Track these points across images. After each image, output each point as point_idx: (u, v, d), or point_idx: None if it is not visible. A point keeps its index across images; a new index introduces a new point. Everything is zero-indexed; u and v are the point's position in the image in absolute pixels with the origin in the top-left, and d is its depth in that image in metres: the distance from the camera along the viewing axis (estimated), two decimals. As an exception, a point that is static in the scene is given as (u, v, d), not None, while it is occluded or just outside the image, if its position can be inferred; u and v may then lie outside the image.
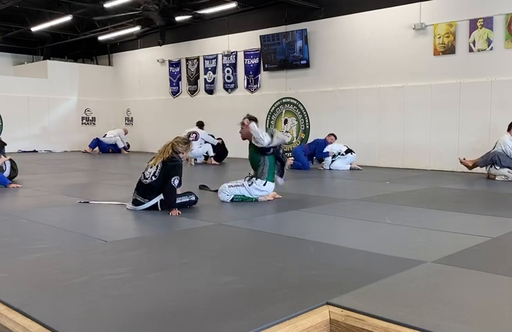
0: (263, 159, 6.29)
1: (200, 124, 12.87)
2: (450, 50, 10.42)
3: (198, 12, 13.97)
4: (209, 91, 15.26)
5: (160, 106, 16.71)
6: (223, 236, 4.60)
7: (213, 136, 12.67)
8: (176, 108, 16.22)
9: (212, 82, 15.14)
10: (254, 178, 6.32)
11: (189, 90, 15.86)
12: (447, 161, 10.42)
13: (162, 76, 16.62)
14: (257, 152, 6.33)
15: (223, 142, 12.74)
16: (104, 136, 16.48)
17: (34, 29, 15.91)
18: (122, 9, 14.21)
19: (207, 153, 12.42)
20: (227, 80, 14.71)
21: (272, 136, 6.30)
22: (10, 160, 8.23)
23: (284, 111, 13.43)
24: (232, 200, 6.23)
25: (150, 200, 5.54)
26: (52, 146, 16.68)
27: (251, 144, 6.42)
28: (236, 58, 14.43)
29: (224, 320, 2.40)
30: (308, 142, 12.07)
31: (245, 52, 14.15)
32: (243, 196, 6.27)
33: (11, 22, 15.88)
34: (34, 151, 16.16)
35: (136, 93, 17.71)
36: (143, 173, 5.66)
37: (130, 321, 2.40)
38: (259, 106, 13.20)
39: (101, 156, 15.35)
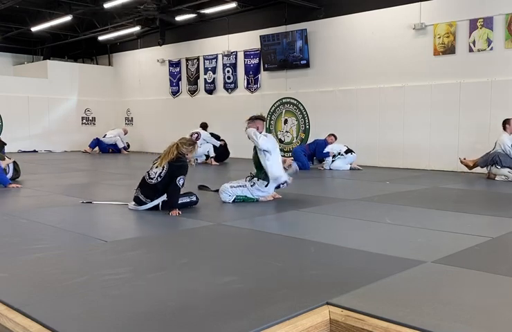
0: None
1: (204, 126, 12.88)
2: (450, 50, 10.42)
3: (198, 12, 13.96)
4: (209, 91, 15.26)
5: (160, 106, 16.71)
6: (223, 236, 4.60)
7: (218, 137, 12.68)
8: (176, 108, 16.22)
9: (212, 82, 15.14)
10: (255, 179, 6.32)
11: (189, 90, 15.86)
12: (447, 161, 10.42)
13: (162, 76, 16.62)
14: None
15: (225, 143, 12.75)
16: (104, 136, 16.48)
17: (34, 29, 15.91)
18: (122, 9, 14.20)
19: (208, 152, 12.43)
20: (227, 80, 14.71)
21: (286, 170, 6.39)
22: (14, 162, 8.28)
23: (284, 111, 13.43)
24: (233, 200, 6.22)
25: (153, 200, 5.54)
26: (52, 146, 16.68)
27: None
28: (236, 58, 14.43)
29: (224, 320, 2.40)
30: (308, 142, 12.07)
31: (245, 52, 14.15)
32: (245, 196, 6.27)
33: (11, 22, 15.88)
34: (34, 151, 16.16)
35: (136, 93, 17.71)
36: (148, 172, 5.65)
37: (130, 321, 2.40)
38: (259, 106, 13.15)
39: (101, 156, 15.35)
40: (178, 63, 16.14)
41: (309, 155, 11.06)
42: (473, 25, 10.06)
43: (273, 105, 13.56)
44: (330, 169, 10.65)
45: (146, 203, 5.56)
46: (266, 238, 4.48)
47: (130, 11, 14.38)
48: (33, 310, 2.51)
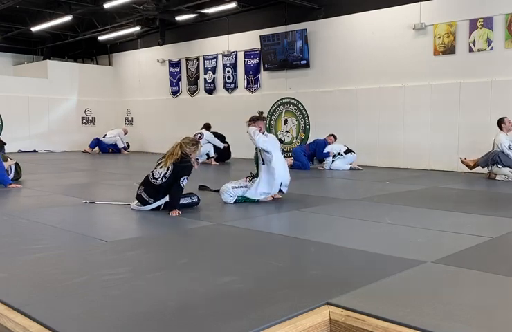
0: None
1: (207, 126, 12.86)
2: (450, 50, 10.42)
3: (199, 11, 13.96)
4: (209, 91, 15.26)
5: (160, 106, 16.71)
6: (223, 236, 4.60)
7: (223, 138, 12.68)
8: (176, 108, 16.22)
9: (212, 82, 15.14)
10: (256, 179, 6.31)
11: (189, 90, 15.86)
12: (447, 161, 10.42)
13: (162, 76, 16.62)
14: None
15: (229, 146, 12.75)
16: (104, 136, 16.48)
17: (34, 29, 15.91)
18: (122, 9, 14.20)
19: (208, 152, 12.43)
20: (227, 80, 14.71)
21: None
22: (16, 163, 8.30)
23: (284, 111, 13.43)
24: (235, 201, 6.21)
25: (156, 200, 5.54)
26: (52, 146, 16.68)
27: None
28: (236, 58, 14.43)
29: (224, 320, 2.40)
30: (308, 142, 12.07)
31: (245, 52, 14.15)
32: (246, 197, 6.25)
33: (11, 22, 15.88)
34: (34, 151, 16.16)
35: (136, 93, 17.71)
36: (152, 172, 5.64)
37: (130, 321, 2.40)
38: (259, 106, 13.10)
39: (101, 156, 15.35)
40: (178, 63, 16.14)
41: (309, 155, 11.05)
42: (473, 25, 10.06)
43: (273, 105, 13.55)
44: (330, 169, 10.65)
45: (149, 203, 5.56)
46: (266, 238, 4.48)
47: (130, 11, 14.37)
48: (33, 310, 2.51)
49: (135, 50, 17.55)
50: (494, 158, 8.83)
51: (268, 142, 6.25)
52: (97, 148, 16.46)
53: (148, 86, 17.21)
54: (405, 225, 4.81)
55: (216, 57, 14.96)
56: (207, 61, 15.21)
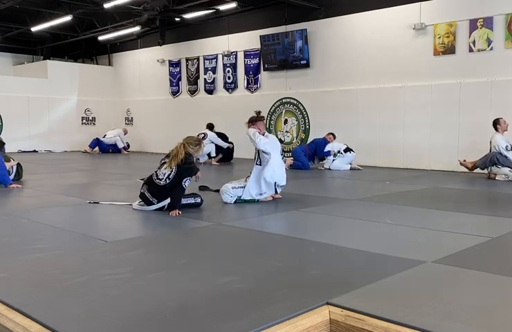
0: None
1: (211, 126, 12.86)
2: (450, 50, 10.42)
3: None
4: (209, 91, 15.26)
5: (160, 106, 16.71)
6: (223, 236, 4.60)
7: (226, 138, 12.68)
8: (176, 108, 16.22)
9: (212, 82, 15.14)
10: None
11: (189, 90, 15.86)
12: (447, 161, 10.42)
13: (162, 76, 16.62)
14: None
15: (233, 146, 12.74)
16: (104, 136, 16.48)
17: (34, 29, 15.91)
18: (122, 9, 14.20)
19: (210, 152, 12.44)
20: (227, 80, 14.72)
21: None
22: (18, 164, 8.30)
23: (284, 111, 13.43)
24: (235, 201, 6.21)
25: (160, 201, 5.54)
26: (52, 146, 16.68)
27: None
28: (236, 58, 14.43)
29: (224, 320, 2.40)
30: (308, 142, 12.07)
31: (245, 52, 14.15)
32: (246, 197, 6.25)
33: (11, 22, 15.88)
34: (34, 151, 16.16)
35: (136, 93, 17.71)
36: (156, 172, 5.63)
37: (130, 321, 2.40)
38: (259, 106, 13.12)
39: (101, 156, 15.35)
40: (178, 63, 16.14)
41: (309, 155, 11.05)
42: (473, 25, 10.06)
43: (273, 105, 13.55)
44: (330, 169, 10.65)
45: (153, 203, 5.56)
46: (265, 238, 4.48)
47: (130, 11, 14.36)
48: (33, 310, 2.51)
49: (135, 50, 17.55)
50: (492, 160, 8.84)
51: (269, 144, 6.25)
52: (97, 148, 16.46)
53: (148, 86, 17.21)
54: (405, 225, 4.81)
55: (216, 57, 14.96)
56: (207, 61, 15.21)
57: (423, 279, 3.15)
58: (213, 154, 12.42)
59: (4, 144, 9.55)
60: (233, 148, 12.79)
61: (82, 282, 3.02)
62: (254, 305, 2.60)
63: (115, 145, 16.37)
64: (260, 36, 13.41)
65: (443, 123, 10.48)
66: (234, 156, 12.98)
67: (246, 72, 14.18)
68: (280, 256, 3.73)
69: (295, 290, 2.85)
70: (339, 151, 10.76)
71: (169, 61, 16.33)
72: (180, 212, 5.38)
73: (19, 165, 8.37)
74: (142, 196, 5.63)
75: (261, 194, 6.25)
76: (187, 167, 5.54)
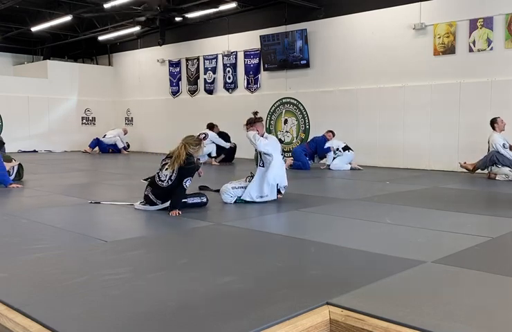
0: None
1: (211, 126, 12.85)
2: (450, 50, 10.42)
3: (199, 13, 13.93)
4: (209, 91, 15.26)
5: (160, 106, 16.71)
6: (223, 236, 4.60)
7: (227, 137, 12.67)
8: (176, 108, 16.22)
9: (212, 82, 15.14)
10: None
11: (189, 90, 15.86)
12: (447, 161, 10.42)
13: (162, 76, 16.62)
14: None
15: (235, 146, 12.73)
16: (104, 136, 16.48)
17: (34, 29, 15.91)
18: (122, 9, 14.19)
19: (210, 152, 12.43)
20: (227, 80, 14.72)
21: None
22: (19, 165, 8.30)
23: (284, 111, 13.43)
24: (235, 201, 6.21)
25: (163, 202, 5.55)
26: (52, 146, 16.67)
27: None
28: (236, 58, 14.43)
29: (224, 320, 2.40)
30: (307, 141, 12.07)
31: (245, 52, 14.15)
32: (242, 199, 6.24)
33: (11, 22, 15.88)
34: (34, 151, 16.16)
35: (136, 93, 17.71)
36: (158, 173, 5.64)
37: (130, 321, 2.40)
38: (259, 107, 13.10)
39: (101, 156, 15.35)
40: (178, 63, 16.14)
41: (310, 153, 11.06)
42: (473, 25, 10.06)
43: (273, 105, 13.55)
44: (330, 168, 10.65)
45: (157, 204, 5.58)
46: (265, 238, 4.48)
47: (130, 10, 14.36)
48: (33, 310, 2.51)
49: (135, 50, 17.55)
50: (492, 159, 8.85)
51: (270, 145, 6.24)
52: (97, 148, 16.46)
53: (148, 86, 17.21)
54: (405, 225, 4.81)
55: (216, 57, 14.96)
56: (207, 61, 15.21)
57: (423, 279, 3.15)
58: (214, 154, 12.41)
59: (4, 143, 9.56)
60: (235, 148, 12.78)
61: (82, 282, 3.02)
62: (254, 305, 2.60)
63: (115, 145, 16.37)
64: (260, 36, 13.41)
65: (443, 123, 10.48)
66: (235, 156, 12.96)
67: (246, 72, 14.18)
68: (280, 256, 3.73)
69: (295, 290, 2.85)
70: (338, 149, 10.77)
71: (169, 61, 16.33)
72: (180, 212, 5.38)
73: (20, 166, 8.37)
74: (146, 198, 5.64)
75: (261, 197, 6.23)
76: (188, 167, 5.55)
